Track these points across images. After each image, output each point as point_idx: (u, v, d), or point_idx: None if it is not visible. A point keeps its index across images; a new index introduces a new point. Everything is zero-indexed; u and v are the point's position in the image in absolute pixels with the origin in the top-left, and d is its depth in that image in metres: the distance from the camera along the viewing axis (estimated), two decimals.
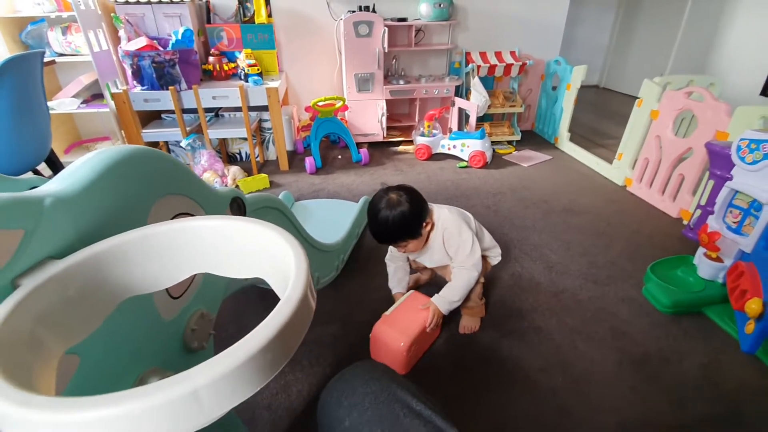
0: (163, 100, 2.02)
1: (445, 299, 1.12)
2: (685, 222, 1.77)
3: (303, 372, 1.10)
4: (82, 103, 2.21)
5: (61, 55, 2.11)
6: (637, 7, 4.11)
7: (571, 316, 1.28)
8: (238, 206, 0.63)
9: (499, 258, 1.30)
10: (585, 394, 1.03)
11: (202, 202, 0.54)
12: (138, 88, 2.01)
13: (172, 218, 0.49)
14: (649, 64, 3.89)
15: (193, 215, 0.53)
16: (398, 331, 1.05)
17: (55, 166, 1.57)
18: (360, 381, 0.51)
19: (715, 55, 3.25)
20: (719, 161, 1.35)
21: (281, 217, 0.86)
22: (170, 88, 1.97)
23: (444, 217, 1.16)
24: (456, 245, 1.14)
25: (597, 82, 4.64)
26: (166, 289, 0.49)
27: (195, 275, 0.53)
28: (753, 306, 1.04)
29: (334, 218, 1.73)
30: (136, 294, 0.38)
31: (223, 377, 0.23)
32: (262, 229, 0.37)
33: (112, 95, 2.01)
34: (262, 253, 0.37)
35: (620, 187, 2.16)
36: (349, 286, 1.41)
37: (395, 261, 1.27)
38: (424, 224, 1.11)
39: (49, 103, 2.12)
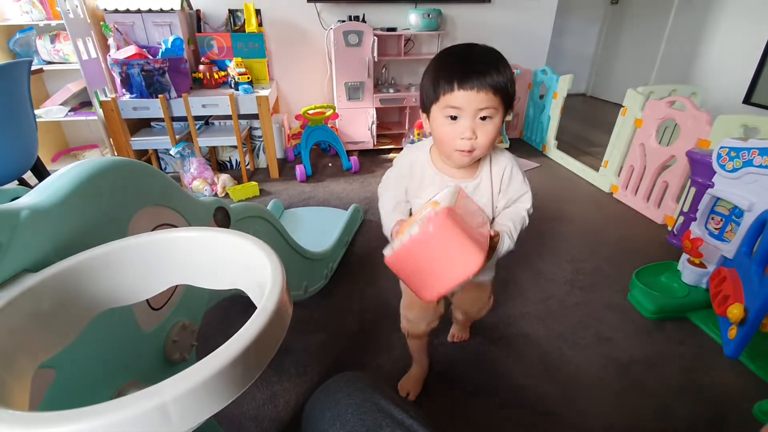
0: (153, 108, 2.01)
1: (510, 234, 0.78)
2: (669, 228, 1.80)
3: (290, 382, 1.09)
4: (70, 111, 2.19)
5: (49, 63, 2.10)
6: (622, 19, 4.21)
7: (558, 323, 1.29)
8: (222, 216, 0.63)
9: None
10: (571, 399, 1.04)
11: (184, 212, 0.54)
12: (127, 96, 2.00)
13: (153, 229, 0.49)
14: (634, 73, 3.97)
15: (175, 226, 0.53)
16: (474, 241, 0.60)
17: (42, 174, 1.55)
18: (343, 392, 0.51)
19: (698, 64, 3.33)
20: (700, 169, 1.38)
21: (267, 226, 0.86)
22: (160, 96, 1.97)
23: (507, 154, 0.83)
24: (517, 192, 0.81)
25: (584, 91, 4.72)
26: (147, 301, 0.49)
27: (176, 286, 0.53)
28: (735, 311, 1.06)
29: (323, 226, 1.74)
30: (114, 306, 0.38)
31: (192, 391, 0.23)
32: (239, 240, 0.37)
33: (101, 103, 2.00)
34: (240, 265, 0.38)
35: (606, 193, 2.19)
36: (338, 294, 1.41)
37: (396, 196, 0.86)
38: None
39: (36, 111, 2.11)
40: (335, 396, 0.50)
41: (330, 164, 2.59)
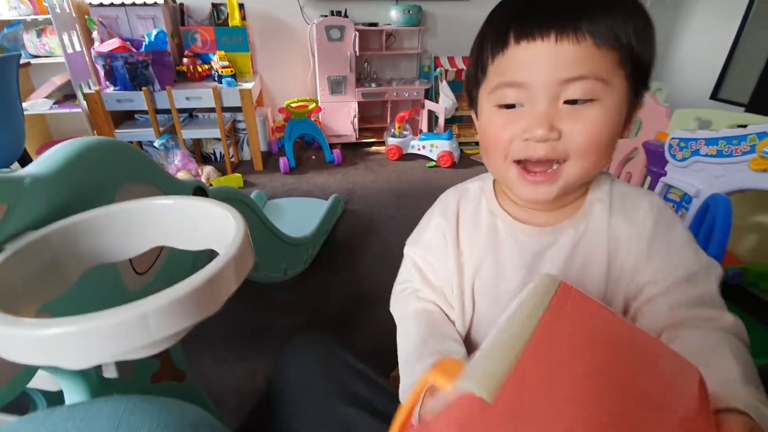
0: (137, 100, 2.05)
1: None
2: None
3: (269, 359, 1.16)
4: (54, 103, 2.21)
5: (36, 56, 2.12)
6: None
7: None
8: (200, 196, 0.70)
9: None
10: None
11: (165, 189, 0.61)
12: (111, 89, 2.03)
13: None
14: None
15: None
16: None
17: (27, 165, 1.59)
18: (307, 346, 0.58)
19: (668, 62, 3.46)
20: (654, 159, 1.48)
21: (245, 209, 0.93)
22: (143, 88, 2.00)
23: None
24: (679, 267, 0.42)
25: None
26: (132, 267, 0.56)
27: (159, 254, 0.60)
28: None
29: (305, 215, 1.80)
30: (103, 262, 0.45)
31: (168, 305, 0.30)
32: (210, 206, 0.44)
33: (85, 95, 2.03)
34: (212, 228, 0.45)
35: None
36: (316, 279, 1.48)
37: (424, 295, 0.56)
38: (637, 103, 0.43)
39: (22, 104, 2.13)
40: (300, 349, 0.58)
41: (313, 157, 2.65)
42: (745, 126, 1.17)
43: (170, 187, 0.62)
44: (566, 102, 0.38)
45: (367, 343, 1.21)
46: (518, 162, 0.41)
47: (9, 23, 2.06)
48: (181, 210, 0.45)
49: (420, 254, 0.56)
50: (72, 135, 2.49)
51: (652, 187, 1.50)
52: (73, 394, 0.48)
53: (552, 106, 0.38)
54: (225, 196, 0.82)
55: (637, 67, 0.38)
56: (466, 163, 2.62)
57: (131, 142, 2.33)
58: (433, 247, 0.54)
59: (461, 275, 0.50)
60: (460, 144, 2.72)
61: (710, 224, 1.14)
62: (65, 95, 2.28)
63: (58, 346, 0.28)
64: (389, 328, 1.23)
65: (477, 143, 2.85)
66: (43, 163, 0.44)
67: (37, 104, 2.12)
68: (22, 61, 1.77)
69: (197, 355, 1.15)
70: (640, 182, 1.89)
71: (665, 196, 1.43)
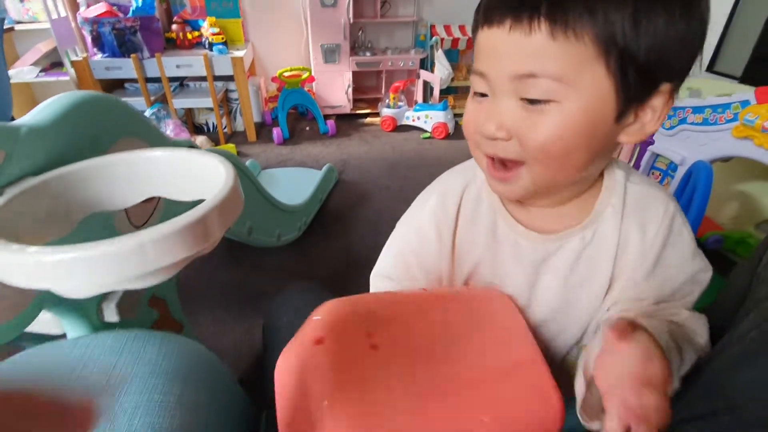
0: (125, 68, 2.02)
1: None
2: None
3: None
4: (41, 71, 2.17)
5: (19, 22, 2.06)
6: None
7: None
8: None
9: None
10: None
11: (159, 146, 0.62)
12: (99, 56, 2.00)
13: None
14: None
15: None
16: None
17: None
18: (297, 292, 0.62)
19: None
20: None
21: (241, 175, 0.94)
22: (132, 55, 1.97)
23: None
24: (683, 273, 0.43)
25: None
26: (129, 220, 0.58)
27: (155, 208, 0.62)
28: None
29: (299, 184, 1.81)
30: (100, 210, 0.47)
31: (165, 237, 0.32)
32: (202, 157, 0.46)
33: (72, 63, 1.99)
34: (204, 178, 0.47)
35: None
36: (310, 246, 1.51)
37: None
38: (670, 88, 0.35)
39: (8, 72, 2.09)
40: (290, 294, 0.61)
41: (307, 128, 2.64)
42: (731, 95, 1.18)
43: (163, 145, 0.64)
44: (524, 99, 0.33)
45: None
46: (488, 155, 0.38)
47: None
48: (174, 161, 0.47)
49: (409, 241, 0.50)
50: None
51: (640, 156, 1.52)
52: (76, 335, 0.51)
53: (509, 102, 0.34)
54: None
55: (632, 60, 0.31)
56: (461, 134, 2.61)
57: None
58: (425, 234, 0.47)
59: (453, 272, 0.47)
60: (455, 115, 2.71)
61: (692, 191, 1.17)
62: (52, 63, 2.23)
63: (62, 271, 0.30)
64: None
65: None
66: (39, 114, 0.45)
67: (22, 72, 2.09)
68: (5, 26, 1.73)
69: (195, 317, 1.19)
70: (630, 151, 1.91)
71: (653, 165, 1.45)
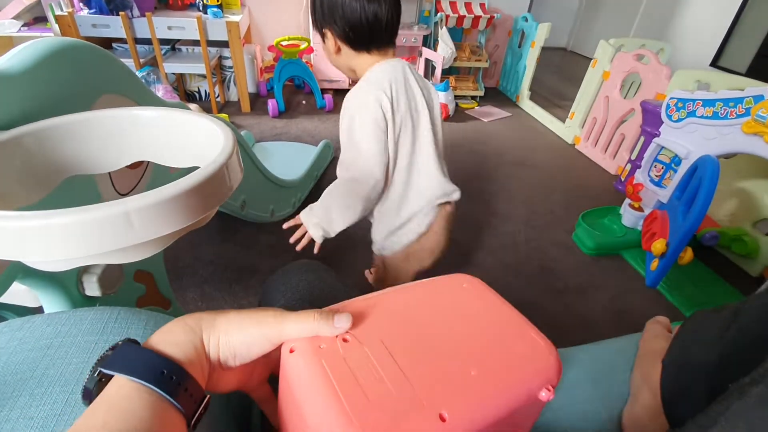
0: (114, 26, 1.91)
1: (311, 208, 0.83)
2: (620, 177, 1.92)
3: (256, 297, 1.17)
4: (23, 25, 2.04)
5: None
6: None
7: (508, 255, 1.41)
8: None
9: (413, 236, 0.90)
10: None
11: (147, 105, 0.57)
12: (85, 12, 1.88)
13: None
14: (614, 28, 3.97)
15: None
16: None
17: None
18: (296, 271, 0.58)
19: (674, 24, 3.36)
20: (650, 119, 1.47)
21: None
22: (121, 13, 1.86)
23: (374, 73, 0.77)
24: (344, 124, 0.78)
25: (565, 45, 4.70)
26: (113, 186, 0.53)
27: (143, 174, 0.57)
28: (658, 246, 1.19)
29: (293, 159, 1.76)
30: (80, 173, 0.42)
31: (152, 206, 0.28)
32: (197, 118, 0.41)
33: (57, 18, 1.87)
34: (198, 143, 0.42)
35: (569, 145, 2.29)
36: None
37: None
38: (324, 31, 0.77)
39: None
40: (289, 274, 0.57)
41: (304, 102, 2.55)
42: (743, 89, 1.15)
43: (152, 104, 0.58)
44: None
45: (350, 280, 1.23)
46: None
47: None
48: (165, 122, 0.42)
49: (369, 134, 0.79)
50: None
51: (644, 148, 1.50)
52: (54, 309, 0.47)
53: None
54: None
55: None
56: (461, 116, 2.57)
57: None
58: (380, 125, 0.79)
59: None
60: (456, 97, 2.65)
61: (696, 185, 1.15)
62: (35, 17, 2.10)
63: (32, 240, 0.26)
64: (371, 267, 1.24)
65: (473, 97, 2.80)
66: (11, 59, 0.40)
67: (3, 25, 1.95)
68: None
69: (182, 292, 1.15)
70: (633, 144, 1.89)
71: (656, 158, 1.43)
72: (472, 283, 0.38)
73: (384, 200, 0.88)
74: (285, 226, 0.90)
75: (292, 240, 0.88)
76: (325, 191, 0.85)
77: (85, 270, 0.50)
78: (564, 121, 2.36)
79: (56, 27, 1.91)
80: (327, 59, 0.85)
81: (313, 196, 1.61)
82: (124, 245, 0.29)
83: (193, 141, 0.43)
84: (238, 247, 1.33)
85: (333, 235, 0.85)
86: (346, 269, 1.28)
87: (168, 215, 0.29)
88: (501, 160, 2.06)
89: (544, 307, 1.21)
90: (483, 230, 1.52)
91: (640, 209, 1.47)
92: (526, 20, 2.67)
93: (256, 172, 1.06)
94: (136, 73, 1.93)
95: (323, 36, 0.79)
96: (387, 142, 0.79)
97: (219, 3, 2.07)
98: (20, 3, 2.00)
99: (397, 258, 0.94)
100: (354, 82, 0.80)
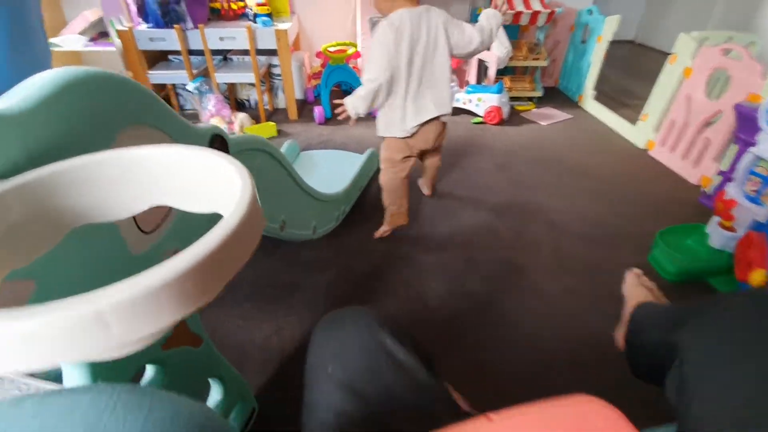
0: (169, 39, 1.96)
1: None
2: (703, 189, 1.69)
3: (296, 316, 1.12)
4: (89, 40, 2.16)
5: None
6: None
7: (570, 277, 1.26)
8: (219, 146, 0.61)
9: (400, 134, 1.26)
10: (577, 354, 1.03)
11: (176, 136, 0.52)
12: (143, 26, 1.95)
13: None
14: (690, 18, 3.58)
15: None
16: None
17: None
18: (351, 325, 0.50)
19: (763, 12, 2.96)
20: (746, 125, 1.26)
21: (271, 161, 0.84)
22: (175, 26, 1.90)
23: (394, 15, 1.14)
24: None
25: (633, 37, 4.32)
26: (136, 223, 0.49)
27: (169, 210, 0.53)
28: (756, 277, 1.01)
29: (338, 169, 1.71)
30: (90, 222, 0.37)
31: (133, 301, 0.22)
32: (216, 159, 0.35)
33: (118, 33, 1.96)
34: (217, 186, 0.36)
35: (641, 150, 2.06)
36: (349, 236, 1.41)
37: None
38: None
39: (54, 40, 2.09)
40: (342, 326, 0.50)
41: None
42: None
43: (182, 133, 0.53)
44: None
45: (403, 308, 1.15)
46: None
47: None
48: (181, 163, 0.36)
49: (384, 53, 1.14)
50: None
51: (737, 158, 1.29)
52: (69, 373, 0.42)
53: None
54: (248, 147, 0.74)
55: None
56: (516, 120, 2.40)
57: (164, 85, 2.28)
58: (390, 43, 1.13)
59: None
60: (511, 99, 2.49)
61: None
62: (100, 32, 2.22)
63: None
64: (419, 292, 1.15)
65: (531, 98, 2.61)
66: (16, 95, 0.35)
67: (69, 40, 2.08)
68: None
69: (224, 310, 1.13)
70: (721, 151, 1.65)
71: (751, 170, 1.22)
72: (605, 419, 0.29)
73: (388, 101, 1.23)
74: (335, 101, 1.26)
75: (336, 111, 1.23)
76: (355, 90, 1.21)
77: None
78: (634, 123, 2.13)
79: (118, 42, 2.00)
80: (373, 4, 1.22)
81: (359, 207, 1.55)
82: (101, 351, 0.22)
83: (211, 184, 0.36)
84: (280, 263, 1.29)
85: (362, 114, 1.21)
86: (391, 291, 1.21)
87: (155, 309, 0.23)
88: (561, 167, 1.89)
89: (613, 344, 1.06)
90: (541, 247, 1.38)
91: (731, 229, 1.26)
92: (591, 13, 2.45)
93: (297, 190, 1.01)
94: (190, 88, 1.98)
95: None
96: (390, 60, 1.15)
97: (269, 12, 2.07)
98: (84, 19, 2.11)
99: (391, 141, 1.33)
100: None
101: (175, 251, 0.55)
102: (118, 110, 0.43)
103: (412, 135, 1.27)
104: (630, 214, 1.56)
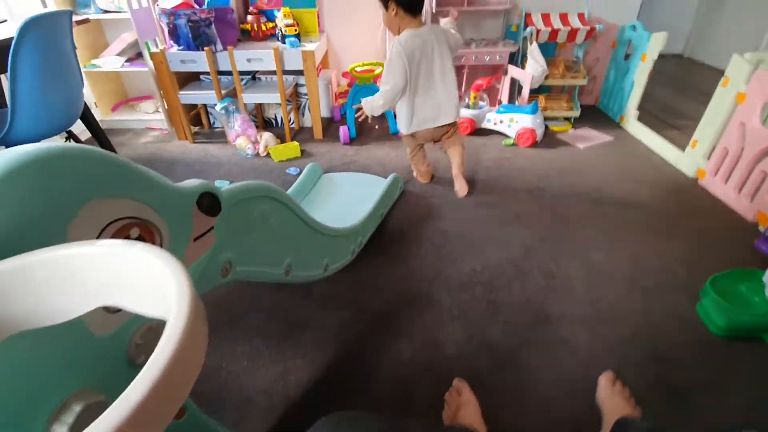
0: (199, 61, 1.99)
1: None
2: (761, 228, 1.51)
3: (304, 359, 1.07)
4: (126, 61, 2.23)
5: (106, 12, 2.12)
6: None
7: (607, 329, 1.14)
8: (209, 203, 0.56)
9: (413, 129, 1.68)
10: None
11: (152, 202, 0.47)
12: (174, 48, 1.99)
13: (107, 225, 0.43)
14: (744, 34, 3.31)
15: (140, 219, 0.47)
16: None
17: (92, 126, 1.60)
18: None
19: None
20: None
21: (277, 205, 0.79)
22: (205, 49, 1.93)
23: (406, 34, 1.50)
24: (388, 56, 1.56)
25: (681, 51, 4.05)
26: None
27: None
28: None
29: (360, 194, 1.66)
30: (27, 329, 0.32)
31: None
32: (147, 256, 0.29)
33: (151, 55, 2.00)
34: (159, 286, 0.30)
35: (690, 179, 1.88)
36: (366, 270, 1.35)
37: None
38: (389, 7, 1.49)
39: (94, 61, 2.18)
40: None
41: (376, 126, 2.46)
42: None
43: (161, 198, 0.49)
44: None
45: (418, 354, 1.06)
46: None
47: None
48: (114, 261, 0.31)
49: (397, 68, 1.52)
50: (143, 95, 2.54)
51: None
52: None
53: None
54: (249, 195, 0.69)
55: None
56: (551, 142, 2.27)
57: (196, 105, 2.32)
58: (402, 60, 1.52)
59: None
60: (546, 119, 2.37)
61: None
62: (137, 53, 2.29)
63: None
64: (435, 337, 1.07)
65: (567, 118, 2.47)
66: None
67: (110, 61, 2.15)
68: (81, 18, 1.76)
69: (233, 346, 1.09)
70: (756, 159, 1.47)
71: None
72: None
73: (402, 104, 1.63)
74: (354, 106, 1.67)
75: (357, 115, 1.64)
76: (376, 94, 1.58)
77: (55, 417, 0.41)
78: (683, 149, 1.96)
79: (150, 63, 2.05)
80: (384, 22, 1.57)
81: (378, 236, 1.49)
82: None
83: (153, 285, 0.31)
84: (292, 297, 1.25)
85: (377, 114, 1.61)
86: (405, 335, 1.13)
87: None
88: (600, 196, 1.75)
89: (655, 408, 0.93)
90: (574, 288, 1.27)
91: None
92: (635, 29, 2.29)
93: (306, 230, 0.95)
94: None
95: (387, 6, 1.49)
96: (404, 72, 1.51)
97: (297, 32, 2.06)
98: (122, 40, 2.18)
99: (407, 137, 1.75)
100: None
101: (149, 327, 0.51)
102: (75, 187, 0.39)
103: (414, 134, 1.71)
104: (677, 254, 1.41)
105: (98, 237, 0.41)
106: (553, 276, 1.32)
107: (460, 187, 1.74)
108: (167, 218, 0.49)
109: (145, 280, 0.31)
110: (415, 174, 1.87)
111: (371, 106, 1.57)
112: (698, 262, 1.37)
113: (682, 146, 1.98)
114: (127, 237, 0.45)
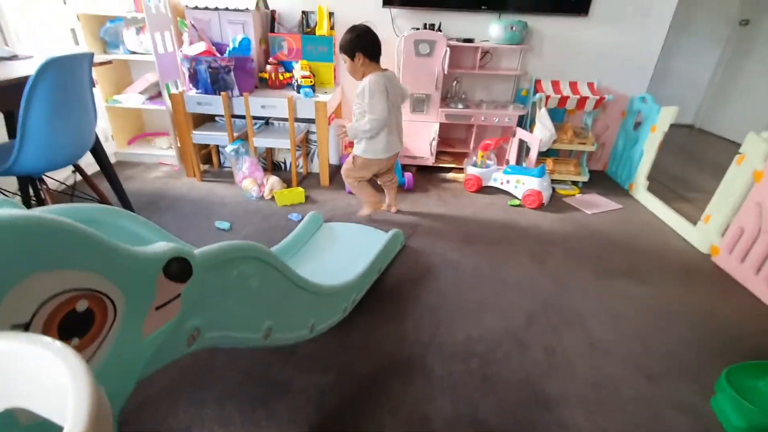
0: (215, 104, 2.05)
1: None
2: None
3: (279, 429, 0.98)
4: (147, 99, 2.31)
5: (134, 53, 2.23)
6: (752, 43, 3.55)
7: (609, 419, 1.04)
8: (178, 270, 0.53)
9: (371, 155, 1.77)
10: None
11: (104, 269, 0.44)
12: (193, 91, 2.05)
13: (46, 301, 0.39)
14: (758, 108, 3.34)
15: (92, 290, 0.43)
16: None
17: (101, 160, 1.62)
18: None
19: None
20: None
21: (261, 266, 0.76)
22: (222, 93, 1.99)
23: (375, 75, 1.63)
24: (359, 90, 1.67)
25: (692, 122, 4.10)
26: None
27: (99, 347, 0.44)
28: None
29: (359, 247, 1.62)
30: None
31: None
32: (44, 356, 0.26)
33: (170, 95, 2.07)
34: (60, 389, 0.26)
35: (703, 255, 1.81)
36: (356, 328, 1.28)
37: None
38: (355, 57, 1.64)
39: (116, 97, 2.26)
40: None
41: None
42: None
43: (116, 267, 0.45)
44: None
45: (391, 429, 0.98)
46: None
47: (112, 18, 2.18)
48: (7, 360, 0.27)
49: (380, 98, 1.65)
50: (159, 131, 2.61)
51: None
52: None
53: None
54: (228, 256, 0.65)
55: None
56: (558, 205, 2.24)
57: (207, 145, 2.37)
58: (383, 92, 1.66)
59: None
60: (553, 181, 2.35)
61: None
62: (158, 92, 2.37)
63: None
64: (424, 413, 0.98)
65: (575, 182, 2.46)
66: None
67: (131, 98, 2.23)
68: (103, 59, 1.84)
69: (202, 408, 1.02)
70: None
71: None
72: None
73: (382, 131, 1.73)
74: (338, 131, 1.78)
75: (337, 134, 1.79)
76: (359, 123, 1.69)
77: None
78: (695, 223, 1.91)
79: (168, 103, 2.11)
80: (348, 71, 1.70)
81: (374, 292, 1.43)
82: None
83: (56, 387, 0.27)
84: (275, 354, 1.18)
85: (358, 138, 1.75)
86: (392, 407, 1.04)
87: None
88: (605, 267, 1.69)
89: None
90: (575, 368, 1.18)
91: None
92: (645, 101, 2.32)
93: (293, 289, 0.91)
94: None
95: (353, 57, 1.63)
96: (387, 103, 1.65)
97: (312, 84, 2.12)
98: (145, 80, 2.27)
99: (360, 159, 1.80)
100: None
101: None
102: (10, 262, 0.36)
103: (379, 160, 1.80)
104: (689, 338, 1.32)
105: (34, 315, 0.37)
106: (553, 351, 1.24)
107: (395, 208, 2.04)
108: (122, 287, 0.45)
109: (47, 382, 0.27)
110: (364, 209, 1.96)
111: (355, 130, 1.69)
112: (713, 349, 1.28)
113: (693, 220, 1.93)
114: (73, 310, 0.41)
